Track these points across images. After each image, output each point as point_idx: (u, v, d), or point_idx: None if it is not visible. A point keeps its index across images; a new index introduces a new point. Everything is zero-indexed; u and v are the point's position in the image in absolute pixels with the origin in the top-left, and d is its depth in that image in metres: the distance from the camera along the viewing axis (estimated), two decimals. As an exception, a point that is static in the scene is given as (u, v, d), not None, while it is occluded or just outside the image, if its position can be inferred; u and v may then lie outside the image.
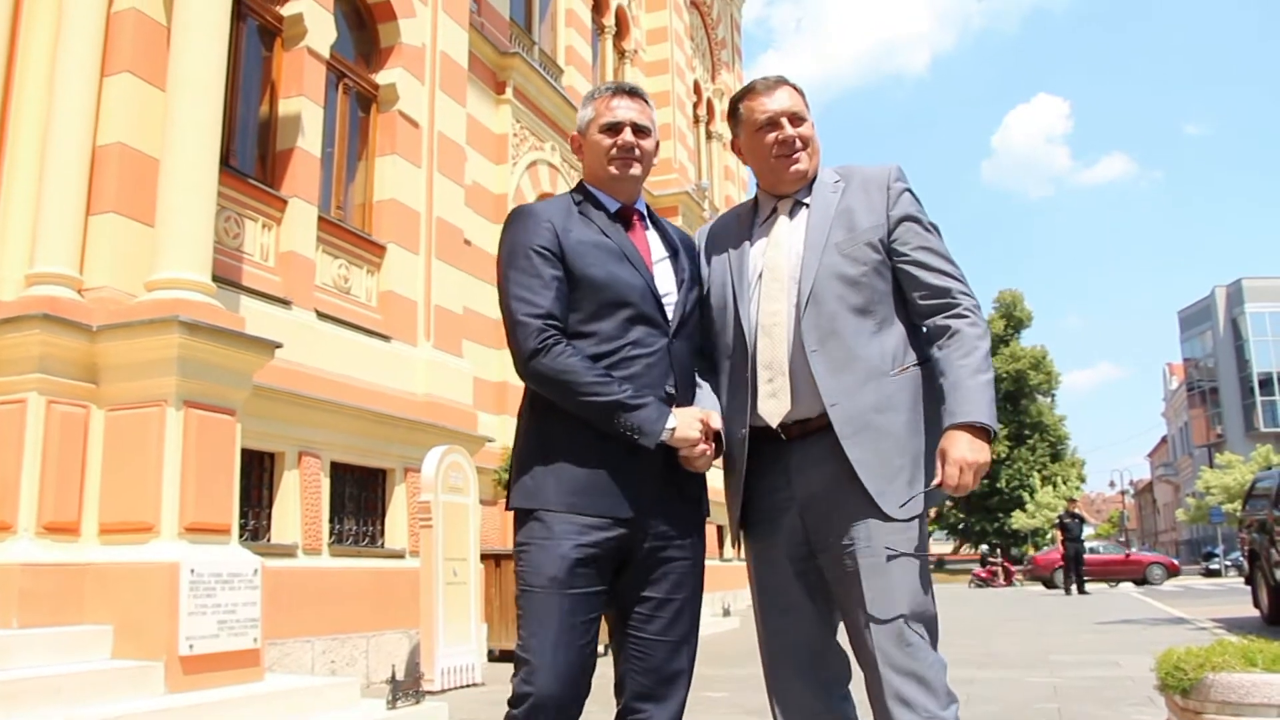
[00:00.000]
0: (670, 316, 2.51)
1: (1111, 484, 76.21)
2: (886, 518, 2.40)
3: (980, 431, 2.36)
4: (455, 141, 9.88)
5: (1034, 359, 54.44)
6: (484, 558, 8.69)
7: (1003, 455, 52.75)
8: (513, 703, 2.32)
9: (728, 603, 17.29)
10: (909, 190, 2.61)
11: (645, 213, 2.69)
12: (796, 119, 2.63)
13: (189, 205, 5.99)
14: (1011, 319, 55.87)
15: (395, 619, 7.99)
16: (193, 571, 5.50)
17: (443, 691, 7.23)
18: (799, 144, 2.63)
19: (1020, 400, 54.40)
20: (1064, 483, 49.95)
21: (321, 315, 7.81)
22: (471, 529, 8.00)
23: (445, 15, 9.89)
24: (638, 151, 2.61)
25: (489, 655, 8.68)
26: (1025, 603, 20.60)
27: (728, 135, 23.56)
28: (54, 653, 5.12)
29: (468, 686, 7.60)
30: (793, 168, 2.63)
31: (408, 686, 5.90)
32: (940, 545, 63.63)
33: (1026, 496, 49.74)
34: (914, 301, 2.54)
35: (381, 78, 9.10)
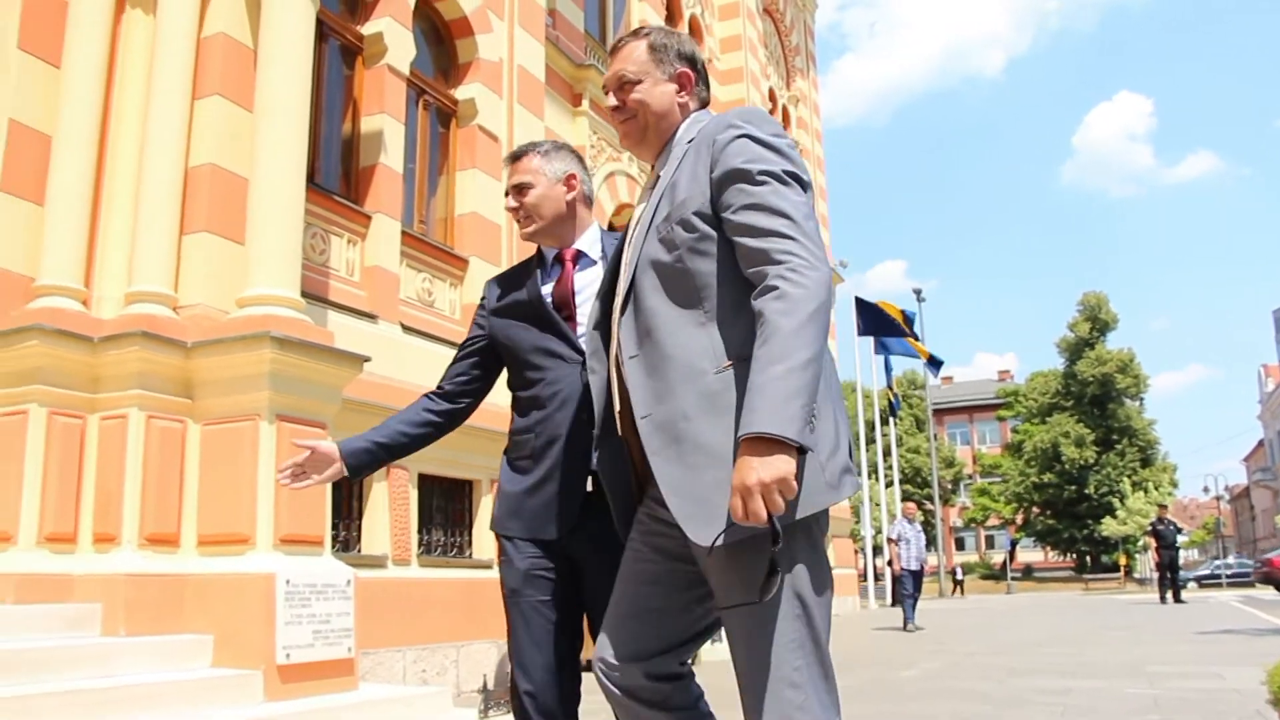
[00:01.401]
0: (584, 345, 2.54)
1: (1205, 489, 74.12)
2: (708, 553, 1.90)
3: (768, 444, 1.75)
4: (534, 154, 9.93)
5: (1121, 362, 53.32)
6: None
7: (1090, 460, 51.70)
8: (511, 695, 2.66)
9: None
10: (745, 136, 2.03)
11: (582, 251, 2.79)
12: (622, 84, 2.26)
13: (278, 223, 6.11)
14: (1096, 322, 54.80)
15: (484, 629, 8.03)
16: (288, 582, 5.58)
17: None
18: (625, 112, 2.27)
19: (1107, 404, 53.31)
20: (1155, 488, 48.78)
21: (406, 328, 7.91)
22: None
23: (521, 29, 9.98)
24: (522, 210, 2.80)
25: (584, 665, 8.68)
26: (1118, 611, 20.11)
27: (804, 142, 23.39)
28: (159, 661, 5.24)
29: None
30: (622, 139, 2.33)
31: (499, 696, 5.92)
32: (1029, 553, 62.45)
33: (1116, 503, 48.61)
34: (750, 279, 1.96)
35: (460, 93, 9.20)
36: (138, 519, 5.68)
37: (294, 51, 6.46)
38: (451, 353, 8.90)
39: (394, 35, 8.15)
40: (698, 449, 1.91)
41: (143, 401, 5.72)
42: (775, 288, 1.85)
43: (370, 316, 7.52)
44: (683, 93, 2.26)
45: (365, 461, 2.74)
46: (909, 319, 26.12)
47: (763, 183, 1.96)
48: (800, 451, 1.78)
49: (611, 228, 13.98)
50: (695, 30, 18.66)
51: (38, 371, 5.65)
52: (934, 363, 27.18)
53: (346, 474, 2.71)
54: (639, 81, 2.25)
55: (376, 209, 7.78)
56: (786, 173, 1.99)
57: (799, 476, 1.79)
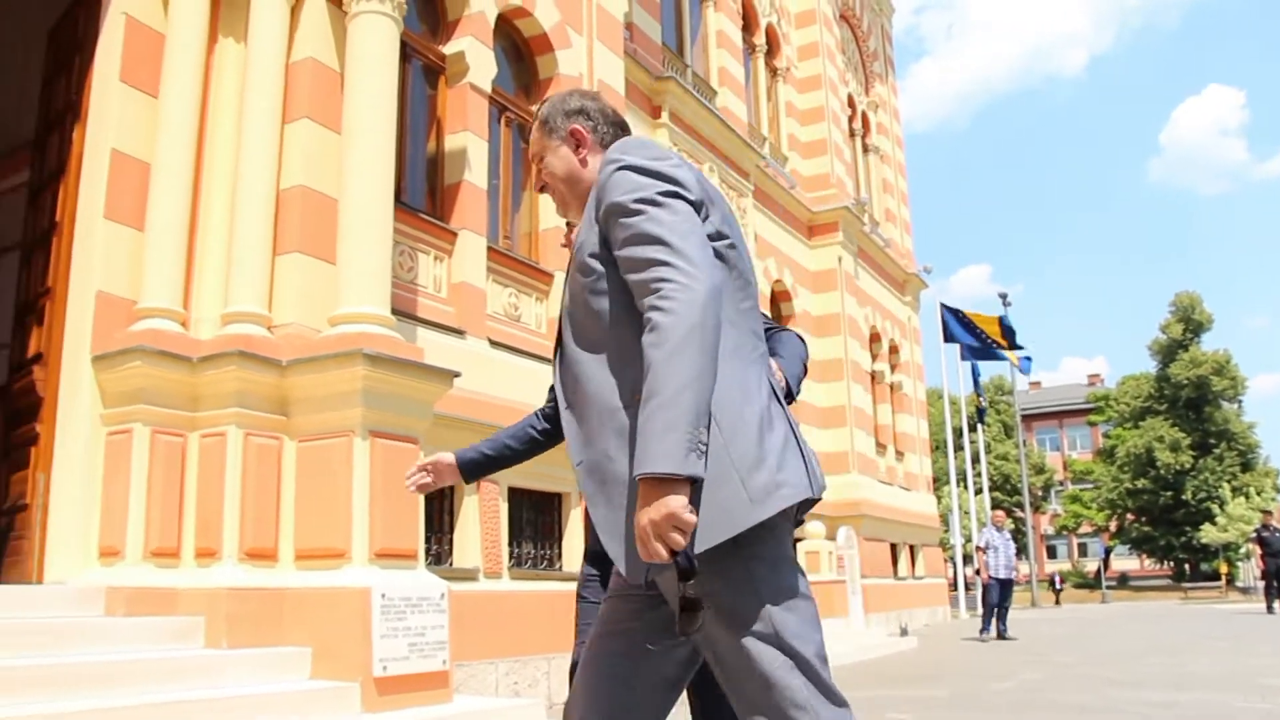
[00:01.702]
0: None
1: (1310, 493, 71.64)
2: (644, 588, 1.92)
3: (654, 483, 1.73)
4: (616, 167, 9.98)
5: (1216, 364, 51.84)
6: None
7: (1187, 466, 50.33)
8: None
9: (904, 621, 16.93)
10: (622, 168, 2.01)
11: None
12: (538, 160, 2.32)
13: (367, 241, 6.23)
14: (1190, 322, 53.38)
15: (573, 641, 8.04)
16: (384, 596, 5.67)
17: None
18: (546, 189, 2.34)
19: (1203, 407, 51.87)
20: (1257, 493, 47.27)
21: (494, 343, 8.00)
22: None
23: (600, 44, 10.05)
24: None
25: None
26: (1220, 621, 19.52)
27: (885, 148, 23.20)
28: (260, 672, 5.36)
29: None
30: (557, 212, 2.43)
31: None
32: (1124, 561, 60.95)
33: (1216, 509, 47.21)
34: None
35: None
36: (237, 534, 5.82)
37: (379, 73, 6.59)
38: (537, 367, 8.92)
39: (475, 54, 8.25)
40: (620, 487, 1.92)
41: (240, 419, 5.87)
42: (650, 319, 1.83)
43: (458, 332, 7.62)
44: (580, 149, 2.27)
45: (475, 469, 2.87)
46: (1008, 329, 25.57)
47: (638, 212, 1.93)
48: (692, 481, 1.74)
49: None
50: (773, 39, 18.63)
51: (141, 392, 5.82)
52: (1023, 359, 26.57)
53: (462, 479, 2.88)
54: (542, 157, 2.30)
55: (462, 226, 7.88)
56: (664, 193, 1.95)
57: (713, 501, 1.79)
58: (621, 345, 1.97)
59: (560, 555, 8.54)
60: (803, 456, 1.96)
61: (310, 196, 6.44)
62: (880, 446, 19.85)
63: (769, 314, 15.90)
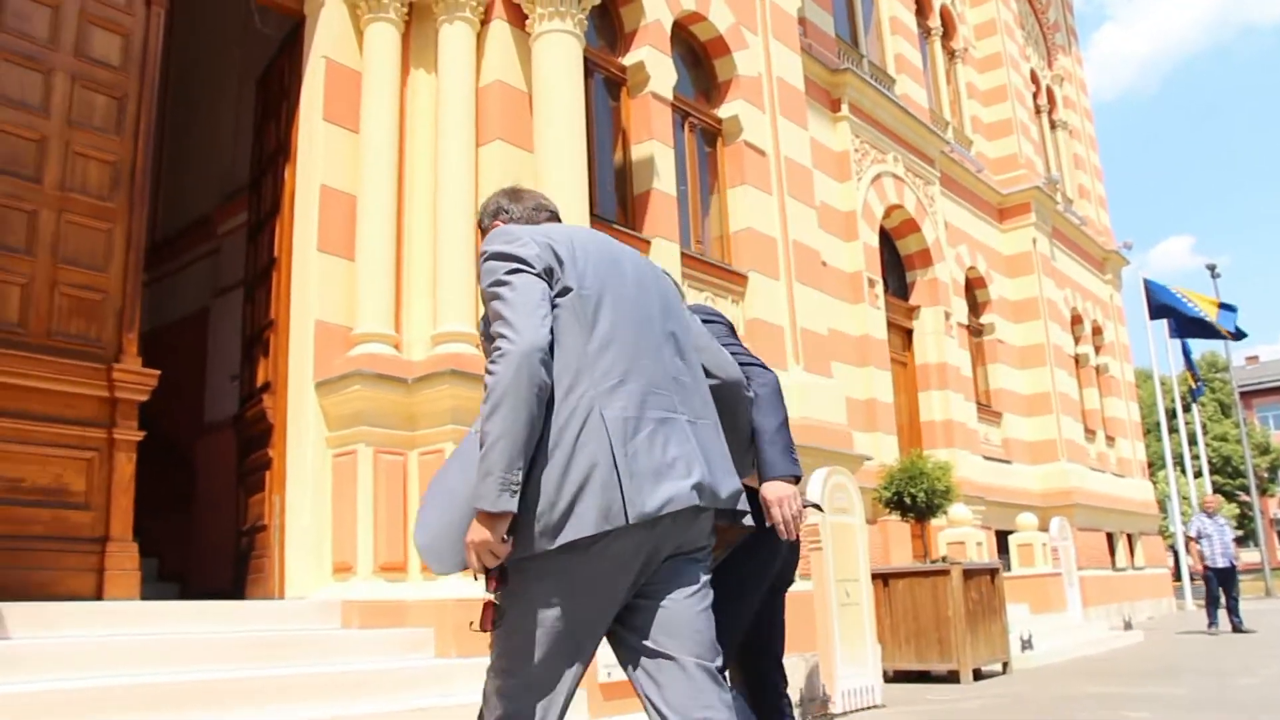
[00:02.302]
0: None
1: None
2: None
3: (481, 514, 2.25)
4: (801, 164, 9.91)
5: None
6: (872, 577, 8.55)
7: None
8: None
9: (1127, 614, 16.15)
10: (487, 258, 2.46)
11: None
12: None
13: (566, 254, 6.33)
14: None
15: (791, 642, 7.96)
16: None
17: (844, 714, 7.15)
18: None
19: None
20: None
21: (692, 348, 8.00)
22: (860, 549, 7.89)
23: (776, 42, 9.98)
24: None
25: (884, 676, 8.51)
26: None
27: (1073, 123, 22.24)
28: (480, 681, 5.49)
29: (868, 709, 7.47)
30: None
31: (818, 709, 5.87)
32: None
33: None
34: None
35: (723, 111, 9.29)
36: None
37: (566, 90, 6.73)
38: (738, 368, 8.82)
39: (655, 63, 8.32)
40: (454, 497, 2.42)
41: (457, 436, 6.04)
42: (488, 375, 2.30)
43: (656, 339, 7.66)
44: None
45: None
46: (1226, 308, 23.98)
47: (493, 295, 2.38)
48: (499, 516, 2.23)
49: (883, 231, 13.75)
50: (948, 20, 18.13)
51: (361, 414, 6.08)
52: (1237, 335, 24.91)
53: None
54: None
55: (654, 233, 7.95)
56: (509, 271, 2.39)
57: (520, 527, 2.26)
58: None
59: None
60: (620, 486, 2.29)
61: (508, 215, 6.59)
62: (1089, 432, 19.00)
63: (965, 300, 15.47)
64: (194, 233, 9.07)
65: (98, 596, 5.39)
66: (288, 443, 6.41)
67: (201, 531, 7.97)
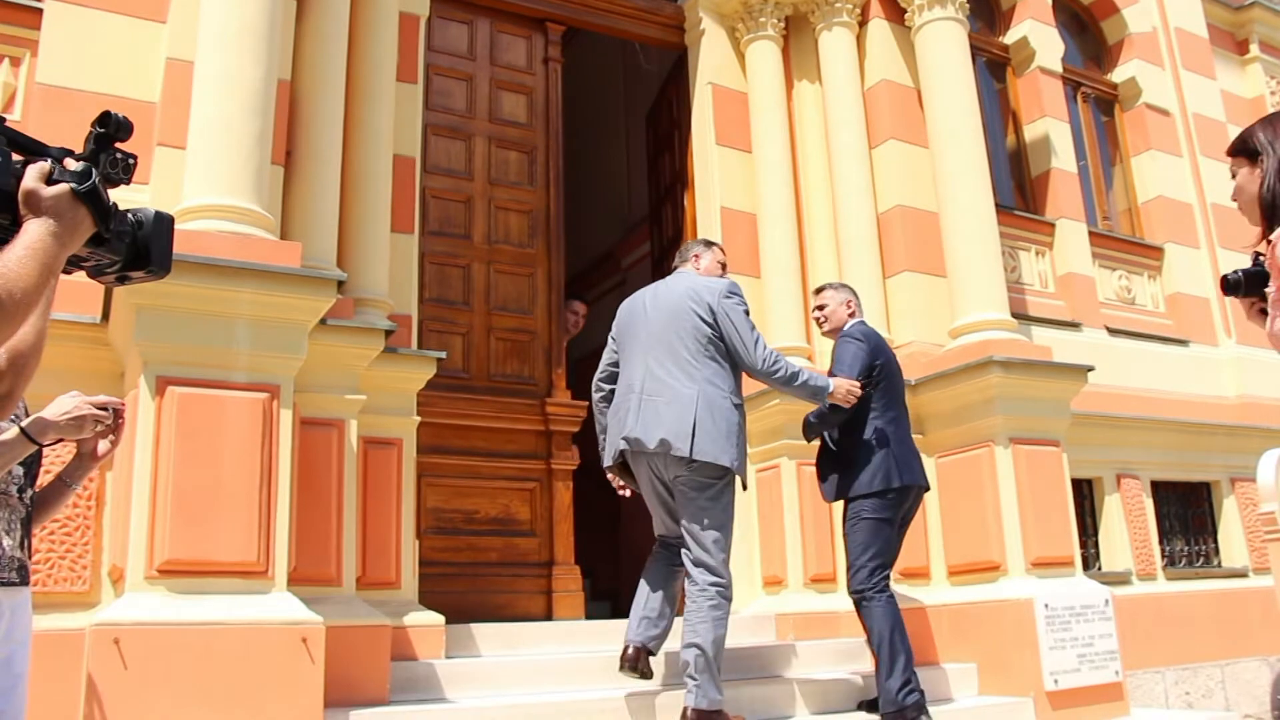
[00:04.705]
0: None
1: None
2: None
3: None
4: (1213, 119, 9.07)
5: None
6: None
7: None
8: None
9: None
10: None
11: None
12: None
13: (975, 248, 6.16)
14: None
15: (1248, 645, 7.31)
16: (1046, 606, 5.51)
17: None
18: None
19: None
20: None
21: (1111, 331, 7.54)
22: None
23: (1169, -11, 9.22)
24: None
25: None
26: None
27: None
28: (929, 689, 5.35)
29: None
30: None
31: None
32: None
33: None
34: None
35: (1117, 75, 8.69)
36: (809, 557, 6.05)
37: (955, 79, 6.53)
38: (1162, 350, 8.26)
39: (1039, 36, 7.92)
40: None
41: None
42: None
43: (1073, 325, 7.27)
44: None
45: None
46: None
47: None
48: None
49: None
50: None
51: (783, 428, 6.14)
52: None
53: None
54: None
55: (1058, 215, 7.56)
56: None
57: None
58: None
59: (1216, 550, 7.79)
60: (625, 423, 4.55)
61: (910, 215, 6.49)
62: None
63: None
64: (601, 268, 9.59)
65: (548, 616, 5.84)
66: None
67: (629, 550, 8.35)
